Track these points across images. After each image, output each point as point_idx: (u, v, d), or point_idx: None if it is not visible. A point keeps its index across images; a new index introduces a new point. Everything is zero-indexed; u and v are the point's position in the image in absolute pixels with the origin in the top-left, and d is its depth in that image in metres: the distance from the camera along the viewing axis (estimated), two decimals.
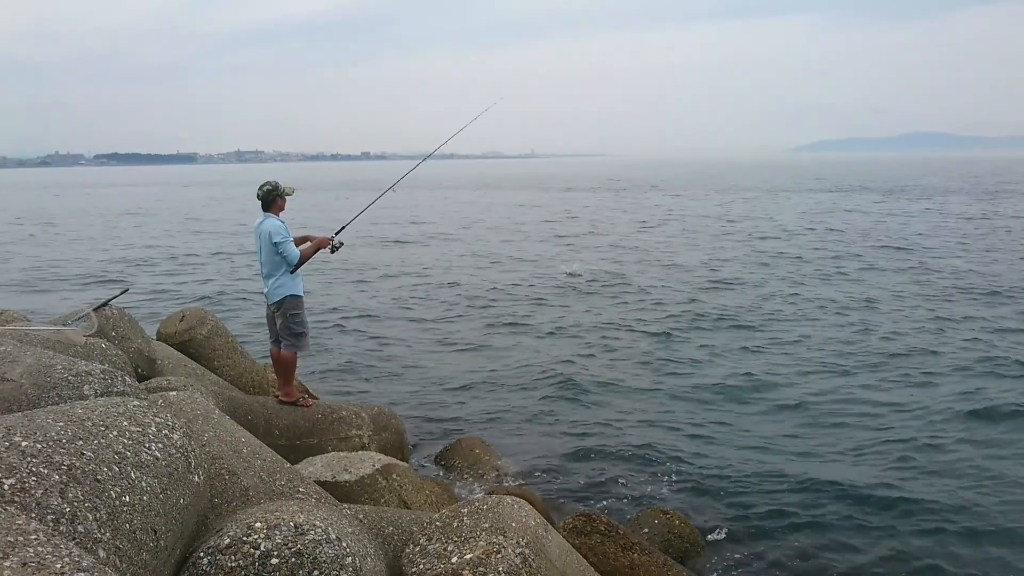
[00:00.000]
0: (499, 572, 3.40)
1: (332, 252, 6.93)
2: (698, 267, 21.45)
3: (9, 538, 1.94)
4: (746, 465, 7.95)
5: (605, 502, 7.26)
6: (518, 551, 3.52)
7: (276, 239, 6.54)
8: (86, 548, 2.34)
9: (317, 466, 5.60)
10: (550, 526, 4.20)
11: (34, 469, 2.43)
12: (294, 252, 6.58)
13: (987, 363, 11.21)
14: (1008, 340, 12.47)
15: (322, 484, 5.02)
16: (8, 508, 2.16)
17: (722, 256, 23.59)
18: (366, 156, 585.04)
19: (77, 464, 2.55)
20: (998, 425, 8.80)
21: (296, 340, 6.82)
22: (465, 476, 7.55)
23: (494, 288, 18.79)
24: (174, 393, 4.45)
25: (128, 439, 2.89)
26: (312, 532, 3.03)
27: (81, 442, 2.67)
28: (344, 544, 3.08)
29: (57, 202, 67.24)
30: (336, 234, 6.92)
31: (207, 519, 3.50)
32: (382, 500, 5.36)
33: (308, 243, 6.86)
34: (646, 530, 6.22)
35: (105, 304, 6.82)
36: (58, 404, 3.42)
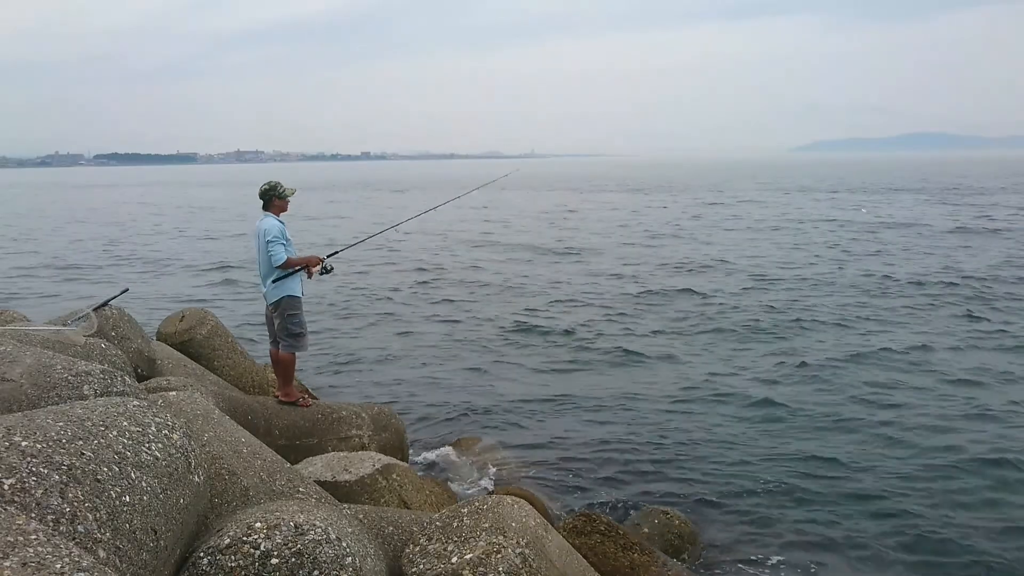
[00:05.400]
0: (499, 572, 3.40)
1: (322, 272, 6.71)
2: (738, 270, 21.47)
3: (9, 538, 1.94)
4: (746, 465, 7.95)
5: (605, 502, 7.26)
6: (518, 551, 3.52)
7: (267, 238, 6.52)
8: (86, 548, 2.34)
9: (317, 466, 5.59)
10: (550, 526, 4.20)
11: (34, 469, 2.43)
12: (280, 254, 6.52)
13: None
14: None
15: (322, 484, 5.02)
16: (8, 508, 2.16)
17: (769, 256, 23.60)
18: (366, 156, 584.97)
19: (77, 464, 2.55)
20: None
21: (294, 341, 6.80)
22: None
23: (498, 289, 18.80)
24: (174, 393, 4.45)
25: (128, 439, 2.89)
26: (312, 532, 3.03)
27: (81, 442, 2.67)
28: (344, 544, 3.08)
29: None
30: (328, 257, 6.87)
31: (207, 519, 3.50)
32: (382, 500, 5.36)
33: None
34: (646, 530, 6.22)
35: (105, 304, 6.82)
36: (58, 404, 3.42)
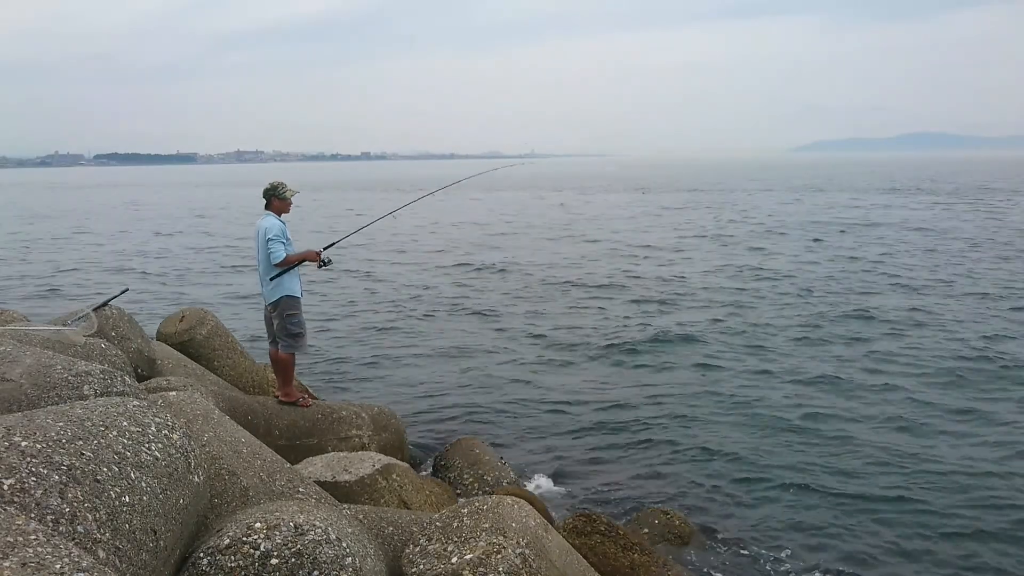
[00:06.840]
0: (499, 572, 3.40)
1: (320, 267, 6.82)
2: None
3: (9, 538, 1.94)
4: (747, 465, 7.94)
5: (605, 502, 7.26)
6: (518, 551, 3.52)
7: (268, 236, 6.53)
8: (86, 548, 2.34)
9: (317, 466, 5.59)
10: (550, 526, 4.20)
11: (34, 469, 2.43)
12: (279, 252, 6.53)
13: None
14: None
15: (322, 484, 5.02)
16: (8, 508, 2.16)
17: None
18: (366, 156, 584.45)
19: (77, 464, 2.55)
20: None
21: (293, 341, 6.80)
22: (465, 476, 7.55)
23: (498, 291, 18.79)
24: (174, 393, 4.45)
25: (128, 439, 2.89)
26: (312, 532, 3.03)
27: (81, 442, 2.67)
28: (344, 544, 3.08)
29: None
30: (324, 249, 6.89)
31: (207, 519, 3.50)
32: (382, 500, 5.36)
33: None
34: (646, 530, 6.22)
35: (105, 304, 6.82)
36: (58, 404, 3.42)
